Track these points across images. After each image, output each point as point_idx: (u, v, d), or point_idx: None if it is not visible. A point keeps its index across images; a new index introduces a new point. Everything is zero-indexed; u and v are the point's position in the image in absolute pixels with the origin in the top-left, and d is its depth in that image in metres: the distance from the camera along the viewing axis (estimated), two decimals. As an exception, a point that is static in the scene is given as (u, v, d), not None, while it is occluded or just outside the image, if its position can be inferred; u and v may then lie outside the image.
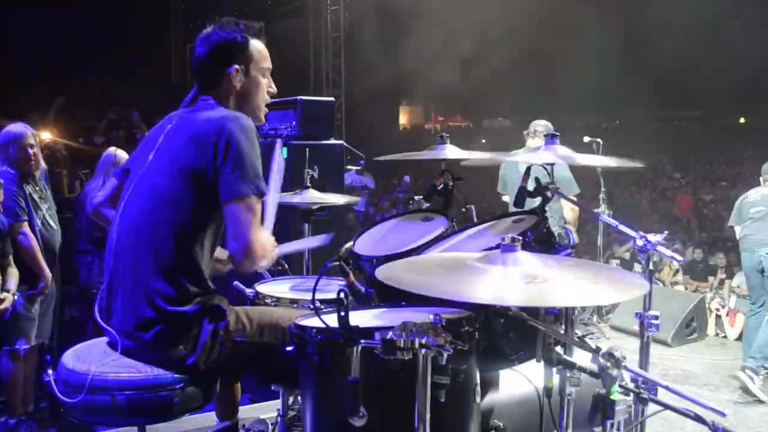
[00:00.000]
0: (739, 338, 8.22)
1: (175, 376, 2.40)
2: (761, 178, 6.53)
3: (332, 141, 5.78)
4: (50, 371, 2.48)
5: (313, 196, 3.53)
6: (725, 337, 8.19)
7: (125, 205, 2.51)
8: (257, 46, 2.62)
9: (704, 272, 10.03)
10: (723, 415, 2.10)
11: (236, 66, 2.55)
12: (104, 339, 2.56)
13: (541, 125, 6.45)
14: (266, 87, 2.68)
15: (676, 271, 9.71)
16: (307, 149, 3.88)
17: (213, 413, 3.06)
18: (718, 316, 8.46)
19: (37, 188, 4.67)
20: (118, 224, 2.51)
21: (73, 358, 2.49)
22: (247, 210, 2.32)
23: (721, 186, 18.08)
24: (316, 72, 14.98)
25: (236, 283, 3.20)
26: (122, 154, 5.30)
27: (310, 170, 3.63)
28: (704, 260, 10.33)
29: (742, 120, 38.64)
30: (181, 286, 2.40)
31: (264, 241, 2.39)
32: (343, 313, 2.07)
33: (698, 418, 2.15)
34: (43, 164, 4.82)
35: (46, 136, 7.79)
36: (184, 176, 2.38)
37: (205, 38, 2.59)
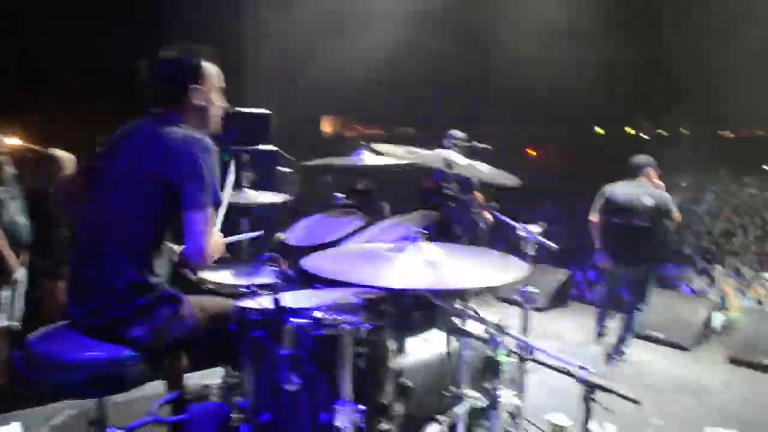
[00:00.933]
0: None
1: (129, 354, 2.29)
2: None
3: (267, 147, 5.71)
4: (16, 352, 2.36)
5: (251, 196, 3.46)
6: (587, 302, 8.49)
7: (96, 203, 2.41)
8: (210, 67, 2.55)
9: (569, 251, 10.38)
10: (586, 369, 2.17)
11: (193, 85, 2.48)
12: (67, 322, 2.44)
13: (457, 136, 6.43)
14: (218, 103, 2.60)
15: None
16: (246, 154, 3.78)
17: (162, 383, 2.96)
18: (581, 286, 8.77)
19: (5, 188, 4.42)
20: (89, 221, 2.41)
21: (38, 339, 2.37)
22: (204, 220, 2.27)
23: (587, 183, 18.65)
24: (251, 85, 14.70)
25: (183, 270, 3.10)
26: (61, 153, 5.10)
27: (248, 173, 3.55)
28: (570, 241, 10.68)
29: (598, 130, 39.92)
30: (145, 276, 2.32)
31: (214, 246, 2.36)
32: (276, 296, 2.04)
33: (567, 372, 2.21)
34: (10, 168, 4.54)
35: (15, 141, 7.34)
36: (151, 182, 2.31)
37: (163, 62, 2.52)
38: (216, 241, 2.40)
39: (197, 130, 2.42)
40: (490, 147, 6.41)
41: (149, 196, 2.31)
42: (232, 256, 3.40)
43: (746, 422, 4.21)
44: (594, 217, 5.52)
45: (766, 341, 5.41)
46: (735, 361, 5.47)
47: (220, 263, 3.10)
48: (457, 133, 6.35)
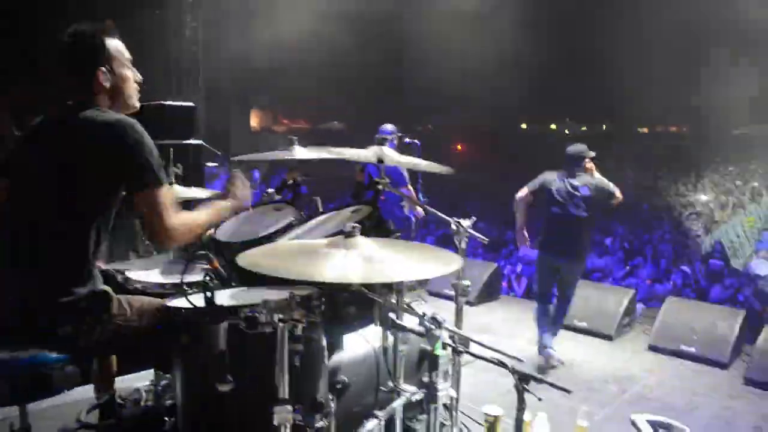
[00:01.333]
0: (526, 295, 8.76)
1: (55, 355, 2.19)
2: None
3: (193, 141, 5.57)
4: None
5: (179, 192, 3.36)
6: (515, 295, 8.71)
7: (16, 201, 2.28)
8: (113, 43, 2.40)
9: (497, 245, 10.62)
10: (521, 361, 2.22)
11: (101, 67, 2.34)
12: None
13: (389, 130, 6.44)
14: (132, 78, 2.47)
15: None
16: (171, 148, 3.66)
17: (90, 387, 2.84)
18: (509, 279, 8.99)
19: None
20: (11, 218, 2.27)
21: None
22: (154, 198, 2.17)
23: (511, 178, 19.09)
24: (177, 80, 14.34)
25: (107, 268, 2.98)
26: None
27: (175, 168, 3.45)
28: (499, 235, 10.93)
29: (524, 126, 41.06)
30: (70, 274, 2.22)
31: (175, 223, 2.21)
32: (209, 294, 1.99)
33: (501, 364, 2.25)
34: None
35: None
36: (71, 175, 2.19)
37: (65, 49, 2.36)
38: (176, 224, 2.24)
39: (115, 111, 2.33)
40: (417, 141, 6.50)
41: (70, 189, 2.20)
42: (159, 254, 3.31)
43: (668, 406, 4.43)
44: (523, 191, 5.35)
45: (684, 329, 5.69)
46: (655, 349, 5.73)
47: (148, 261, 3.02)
48: (389, 127, 6.39)
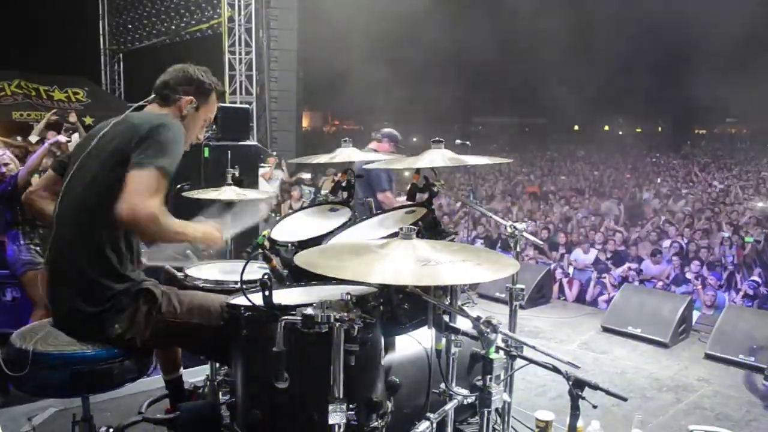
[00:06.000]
0: (576, 300, 8.62)
1: (114, 351, 2.29)
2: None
3: (248, 142, 5.67)
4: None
5: (235, 192, 3.42)
6: (566, 299, 8.58)
7: (63, 193, 2.37)
8: (214, 98, 2.64)
9: (549, 248, 10.46)
10: (576, 366, 2.19)
11: (192, 97, 2.54)
12: (49, 320, 2.41)
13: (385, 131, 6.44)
14: (201, 130, 2.68)
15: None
16: (229, 150, 3.74)
17: (148, 379, 2.93)
18: (560, 283, 8.86)
19: None
20: (58, 212, 2.36)
21: (20, 337, 2.33)
22: (140, 178, 2.15)
23: (561, 180, 18.82)
24: (230, 82, 14.63)
25: (167, 266, 3.07)
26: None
27: (232, 169, 3.51)
28: (549, 238, 10.78)
29: (576, 127, 40.49)
30: (121, 271, 2.30)
31: (151, 211, 2.12)
32: (267, 293, 2.03)
33: (555, 369, 2.23)
34: None
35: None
36: (112, 164, 2.26)
37: (181, 68, 2.59)
38: (151, 212, 2.14)
39: None
40: (468, 143, 6.43)
41: (111, 180, 2.23)
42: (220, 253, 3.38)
43: (724, 417, 4.30)
44: None
45: (743, 338, 5.50)
46: (712, 357, 5.56)
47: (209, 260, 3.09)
48: (385, 131, 6.35)
